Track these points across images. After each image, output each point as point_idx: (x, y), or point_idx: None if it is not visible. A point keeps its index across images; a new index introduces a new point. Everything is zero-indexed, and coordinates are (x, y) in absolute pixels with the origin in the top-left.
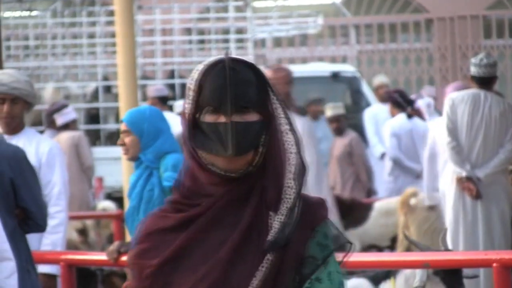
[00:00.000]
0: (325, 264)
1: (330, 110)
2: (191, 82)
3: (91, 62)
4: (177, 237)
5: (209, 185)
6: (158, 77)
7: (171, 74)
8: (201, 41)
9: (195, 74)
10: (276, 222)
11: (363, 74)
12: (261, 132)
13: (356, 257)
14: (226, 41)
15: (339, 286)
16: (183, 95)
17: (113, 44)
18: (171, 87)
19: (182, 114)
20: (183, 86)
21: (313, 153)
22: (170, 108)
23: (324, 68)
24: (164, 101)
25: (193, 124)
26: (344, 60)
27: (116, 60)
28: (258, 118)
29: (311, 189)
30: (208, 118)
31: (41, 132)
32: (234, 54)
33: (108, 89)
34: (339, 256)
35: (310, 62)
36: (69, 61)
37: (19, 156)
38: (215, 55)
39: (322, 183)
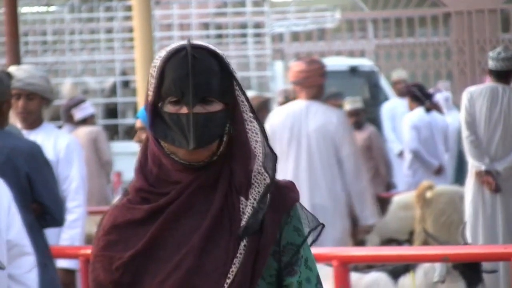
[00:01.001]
0: (303, 250)
1: (348, 104)
2: (153, 69)
3: (108, 57)
4: (147, 229)
5: (175, 171)
6: None
7: None
8: (219, 36)
9: (157, 61)
10: (248, 207)
11: (381, 68)
12: (225, 121)
13: (375, 251)
14: (244, 35)
15: (317, 272)
16: None
17: (131, 39)
18: None
19: (145, 101)
20: None
21: (352, 145)
22: None
23: (342, 62)
24: None
25: (155, 112)
26: (362, 54)
27: (134, 55)
28: (222, 107)
29: (351, 182)
30: (170, 108)
31: (59, 127)
32: (252, 48)
33: (126, 84)
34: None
35: (328, 56)
36: (87, 56)
37: (35, 151)
38: (233, 50)
39: (362, 175)
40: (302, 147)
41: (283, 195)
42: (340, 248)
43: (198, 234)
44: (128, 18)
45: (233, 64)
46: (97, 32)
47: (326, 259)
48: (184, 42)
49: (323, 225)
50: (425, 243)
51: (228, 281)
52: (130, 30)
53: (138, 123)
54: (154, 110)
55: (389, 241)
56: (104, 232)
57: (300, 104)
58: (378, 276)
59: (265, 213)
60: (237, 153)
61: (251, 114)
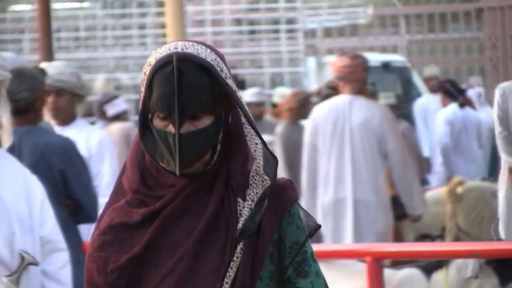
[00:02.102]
0: (309, 248)
1: (381, 100)
2: (144, 76)
3: (141, 53)
4: (143, 232)
5: (171, 174)
6: None
7: None
8: (251, 32)
9: (147, 69)
10: (246, 209)
11: (414, 64)
12: (216, 133)
13: (408, 247)
14: (276, 31)
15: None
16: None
17: (163, 35)
18: None
19: (139, 104)
20: (234, 76)
21: (397, 138)
22: None
23: (374, 58)
24: None
25: (145, 123)
26: (394, 50)
27: None
28: (212, 119)
29: (398, 174)
30: (158, 122)
31: (92, 123)
32: (285, 44)
33: None
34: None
35: (360, 52)
36: (120, 52)
37: (69, 147)
38: (265, 46)
39: (409, 167)
40: (345, 142)
41: (282, 195)
42: (373, 244)
43: (193, 237)
44: (161, 14)
45: (266, 60)
46: (129, 28)
47: (359, 255)
48: (178, 49)
49: (319, 226)
50: (457, 238)
51: (227, 286)
52: (163, 26)
53: None
54: (144, 120)
55: (423, 237)
56: (99, 232)
57: (343, 98)
58: (411, 272)
59: (263, 213)
60: (235, 154)
61: (244, 119)
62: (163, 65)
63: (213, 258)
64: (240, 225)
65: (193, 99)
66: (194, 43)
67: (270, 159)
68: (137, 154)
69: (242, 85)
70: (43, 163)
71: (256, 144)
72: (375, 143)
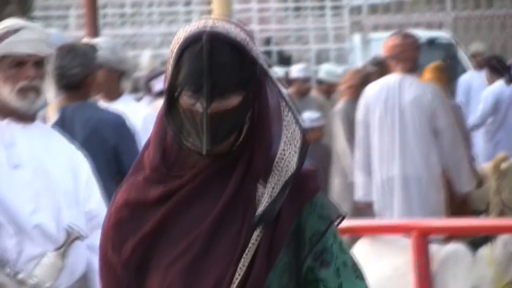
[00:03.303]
0: (333, 236)
1: None
2: (171, 54)
3: None
4: (158, 210)
5: (194, 154)
6: None
7: (267, 41)
8: (297, 9)
9: (175, 45)
10: (266, 195)
11: (459, 40)
12: (244, 112)
13: (453, 222)
14: (322, 8)
15: (350, 252)
16: (280, 62)
17: (209, 12)
18: (268, 54)
19: (164, 81)
20: (280, 53)
21: (448, 116)
22: None
23: (420, 35)
24: None
25: (171, 99)
26: (440, 26)
27: None
28: (241, 98)
29: (448, 152)
30: (185, 101)
31: (139, 99)
32: (330, 21)
33: None
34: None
35: (406, 28)
36: (165, 28)
37: (121, 122)
38: (311, 23)
39: (459, 144)
40: (396, 120)
41: (304, 184)
42: (418, 219)
43: (208, 219)
44: None
45: (311, 37)
46: (175, 4)
47: (405, 230)
48: (207, 27)
49: (343, 216)
50: (502, 214)
51: (241, 271)
52: (209, 2)
53: None
54: (170, 97)
55: (471, 213)
56: (116, 208)
57: (395, 77)
58: (456, 248)
59: (284, 202)
60: (259, 138)
61: (284, 97)
62: (192, 42)
63: (228, 242)
64: (259, 212)
65: (222, 78)
66: (224, 22)
67: (303, 144)
68: (160, 132)
69: (288, 61)
70: (96, 138)
71: (293, 126)
72: (426, 121)
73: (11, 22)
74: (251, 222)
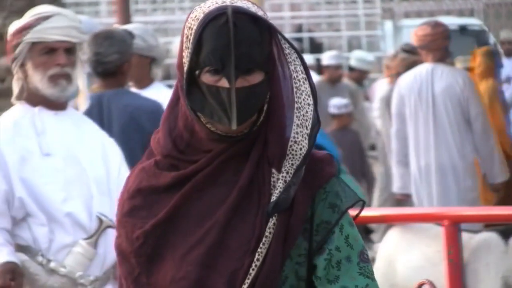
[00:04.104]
0: (340, 228)
1: (459, 64)
2: (189, 31)
3: None
4: (171, 197)
5: (209, 140)
6: (285, 31)
7: (299, 28)
8: None
9: (193, 23)
10: (280, 181)
11: (490, 27)
12: (266, 91)
13: (485, 210)
14: None
15: (362, 249)
16: (311, 49)
17: None
18: (299, 41)
19: (178, 65)
20: (311, 40)
21: (479, 105)
22: None
23: (451, 22)
24: None
25: (191, 79)
26: (471, 13)
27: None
28: (263, 76)
29: (479, 141)
30: (208, 78)
31: (171, 86)
32: (362, 8)
33: None
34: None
35: (437, 15)
36: None
37: (158, 110)
38: (342, 9)
39: (489, 134)
40: (429, 109)
41: (318, 169)
42: (450, 207)
43: (224, 207)
44: None
45: (343, 24)
46: None
47: (437, 219)
48: (226, 3)
49: (364, 202)
50: None
51: (258, 262)
52: None
53: None
54: (190, 77)
55: None
56: (128, 195)
57: (426, 67)
58: (489, 236)
59: (297, 188)
60: (273, 120)
61: (303, 75)
62: (214, 18)
63: (243, 230)
64: (273, 199)
65: (247, 53)
66: (241, 0)
67: (315, 124)
68: (170, 118)
69: (319, 48)
70: (133, 125)
71: (309, 104)
72: (459, 109)
73: (42, 9)
74: (266, 210)
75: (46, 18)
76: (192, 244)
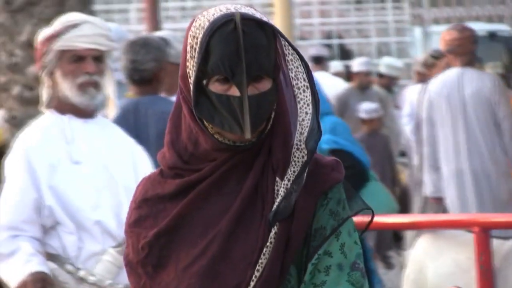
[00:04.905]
0: (336, 235)
1: (489, 70)
2: (194, 40)
3: None
4: (176, 205)
5: (214, 151)
6: (315, 38)
7: (328, 35)
8: (358, 1)
9: (198, 32)
10: (282, 188)
11: None
12: (275, 98)
13: None
14: (383, 1)
15: (355, 259)
16: (341, 56)
17: (270, 5)
18: (329, 47)
19: (181, 75)
20: (341, 46)
21: (507, 106)
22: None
23: (480, 28)
24: (318, 61)
25: (198, 89)
26: (500, 19)
27: (273, 21)
28: (271, 83)
29: (509, 142)
30: (217, 87)
31: None
32: (391, 14)
33: None
34: (357, 223)
35: (466, 21)
36: None
37: None
38: (372, 16)
39: None
40: (459, 114)
41: (322, 175)
42: (480, 214)
43: (227, 217)
44: None
45: (372, 30)
46: None
47: (467, 225)
48: (231, 10)
49: (373, 212)
50: None
51: (257, 273)
52: None
53: None
54: (198, 87)
55: None
56: (135, 205)
57: (454, 71)
58: None
59: (299, 195)
60: (278, 126)
61: (305, 83)
62: (221, 25)
63: (246, 241)
64: (274, 207)
65: (256, 60)
66: (244, 6)
67: (315, 131)
68: (172, 132)
69: (349, 54)
70: None
71: (307, 113)
72: (489, 113)
73: (71, 17)
74: (268, 219)
75: (74, 26)
76: (196, 255)
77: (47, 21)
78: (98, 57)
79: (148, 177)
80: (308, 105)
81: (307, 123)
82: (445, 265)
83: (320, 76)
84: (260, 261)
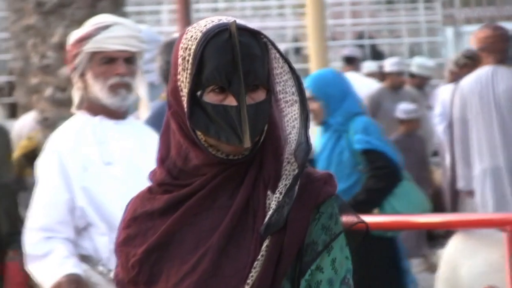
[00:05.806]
0: (328, 250)
1: None
2: (186, 51)
3: (280, 24)
4: (165, 221)
5: (204, 165)
6: (347, 38)
7: (360, 35)
8: (389, 2)
9: (190, 43)
10: (273, 202)
11: None
12: (269, 109)
13: None
14: (414, 1)
15: (346, 274)
16: (373, 56)
17: (302, 6)
18: (361, 48)
19: (170, 90)
20: (373, 47)
21: None
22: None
23: None
24: (350, 62)
25: (192, 101)
26: None
27: (305, 22)
28: (266, 93)
29: None
30: (212, 97)
31: None
32: (423, 14)
33: (297, 50)
34: (350, 238)
35: (498, 21)
36: (259, 23)
37: None
38: (403, 16)
39: None
40: (492, 112)
41: (314, 189)
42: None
43: (218, 233)
44: None
45: (404, 30)
46: None
47: (499, 224)
48: (223, 21)
49: (367, 226)
50: None
51: (247, 287)
52: None
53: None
54: (191, 99)
55: None
56: (124, 224)
57: (487, 69)
58: None
59: (291, 208)
60: (268, 142)
61: (295, 98)
62: (215, 35)
63: (238, 257)
64: (266, 220)
65: (252, 69)
66: (236, 19)
67: (304, 145)
68: (162, 149)
69: (380, 55)
70: None
71: (293, 127)
72: None
73: (102, 18)
74: (260, 233)
75: (105, 27)
76: (186, 271)
77: (79, 23)
78: (129, 59)
79: (137, 196)
80: (295, 119)
81: (295, 137)
82: (478, 264)
83: (352, 77)
84: (250, 274)
